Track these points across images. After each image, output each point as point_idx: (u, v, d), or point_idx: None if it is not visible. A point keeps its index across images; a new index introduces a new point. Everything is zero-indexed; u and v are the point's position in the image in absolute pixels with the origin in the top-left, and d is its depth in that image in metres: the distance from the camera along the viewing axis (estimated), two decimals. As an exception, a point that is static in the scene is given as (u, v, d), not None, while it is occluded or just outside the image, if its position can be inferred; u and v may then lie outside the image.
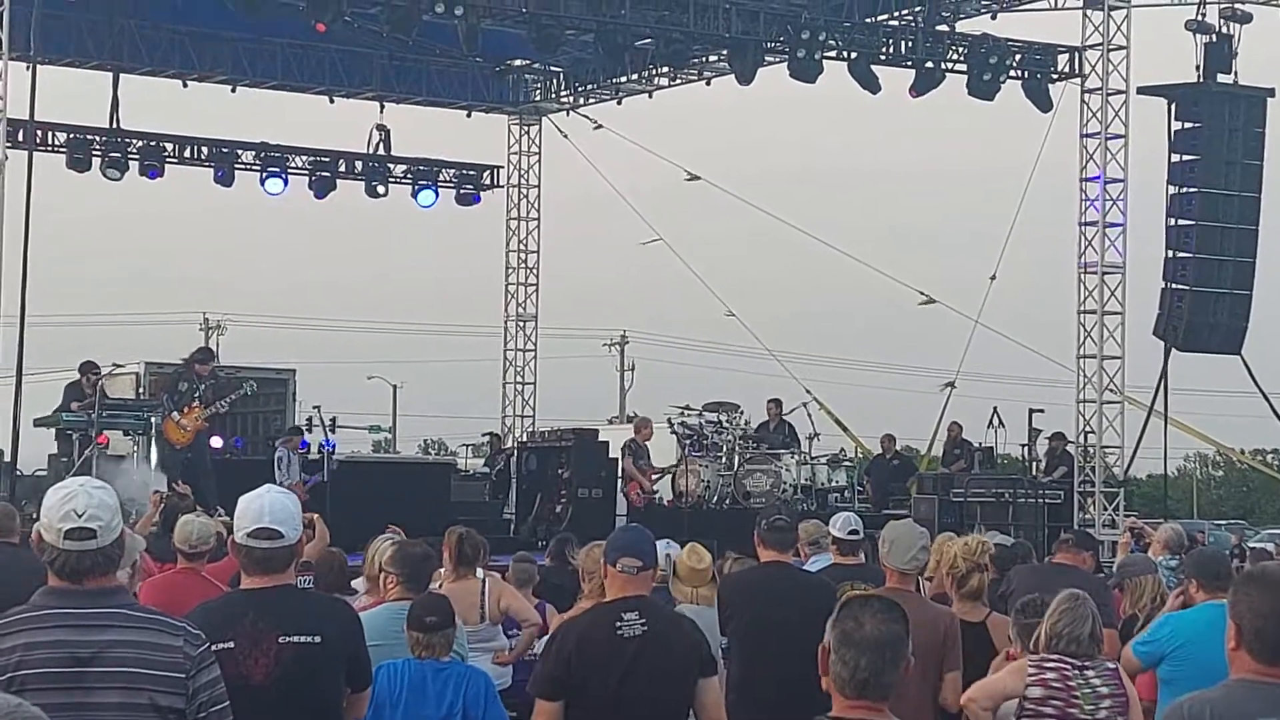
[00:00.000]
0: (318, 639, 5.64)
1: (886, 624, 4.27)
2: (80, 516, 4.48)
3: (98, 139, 26.49)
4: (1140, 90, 24.14)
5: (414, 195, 28.79)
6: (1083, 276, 24.11)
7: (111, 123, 26.35)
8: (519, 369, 30.16)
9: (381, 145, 28.15)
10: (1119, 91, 23.97)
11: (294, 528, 5.70)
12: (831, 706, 4.29)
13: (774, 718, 8.55)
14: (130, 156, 26.73)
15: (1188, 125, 23.86)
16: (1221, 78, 23.89)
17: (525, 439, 27.04)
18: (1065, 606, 7.08)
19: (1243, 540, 34.43)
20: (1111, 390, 23.87)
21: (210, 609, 5.69)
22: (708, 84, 26.95)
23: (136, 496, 15.88)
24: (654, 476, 22.95)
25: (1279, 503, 74.27)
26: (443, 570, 9.40)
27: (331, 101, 27.55)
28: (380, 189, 28.44)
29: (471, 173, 29.28)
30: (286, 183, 27.90)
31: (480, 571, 9.81)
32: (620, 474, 22.30)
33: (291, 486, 21.68)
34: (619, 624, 6.43)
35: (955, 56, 24.03)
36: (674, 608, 8.42)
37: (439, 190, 28.90)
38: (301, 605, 5.82)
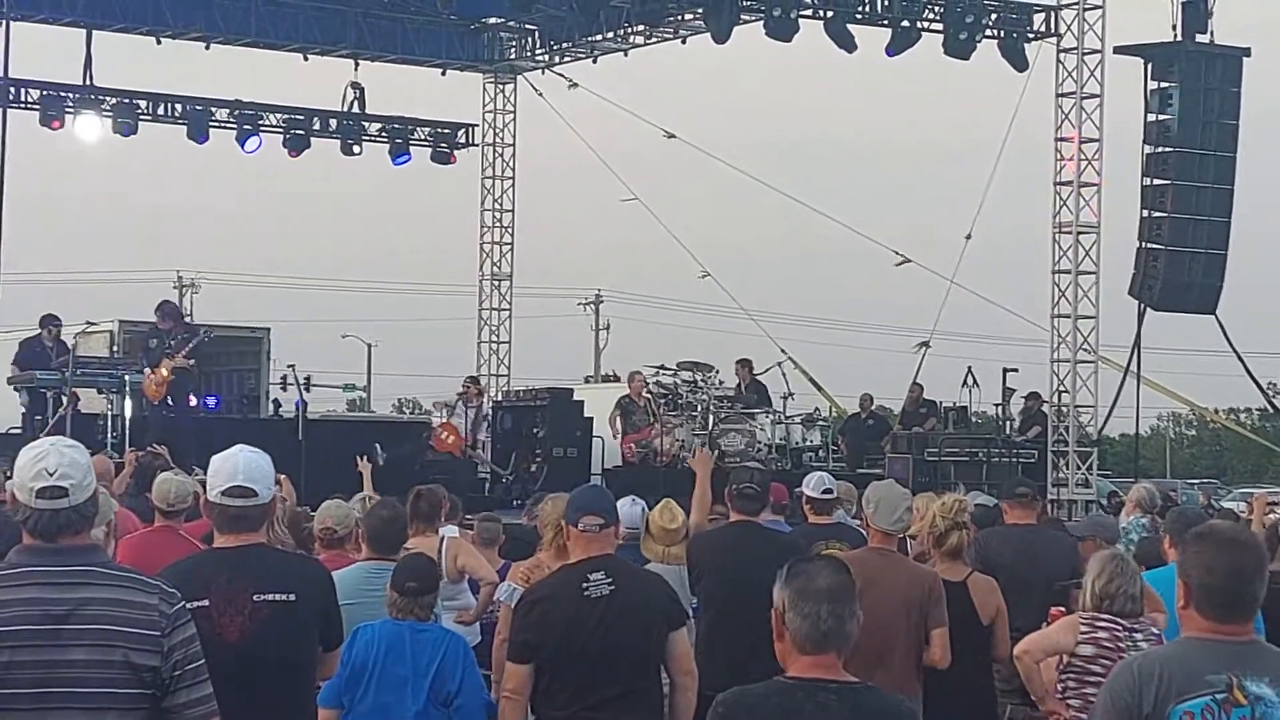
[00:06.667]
0: (292, 597, 5.68)
1: (838, 574, 4.32)
2: (52, 475, 4.44)
3: (71, 96, 26.33)
4: (1116, 50, 24.11)
5: (390, 155, 28.71)
6: (1058, 236, 24.13)
7: (85, 80, 26.19)
8: (494, 328, 30.13)
9: (356, 103, 28.06)
10: (1095, 51, 23.96)
11: (267, 486, 5.72)
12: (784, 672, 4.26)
13: (742, 676, 8.57)
14: (104, 113, 26.61)
15: (1164, 85, 23.85)
16: (1198, 37, 23.87)
17: (500, 398, 27.05)
18: (1112, 567, 7.14)
19: (1211, 499, 34.62)
20: (1086, 350, 23.93)
21: (183, 567, 5.69)
22: (684, 42, 26.83)
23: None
24: (647, 437, 22.71)
25: (1251, 462, 74.68)
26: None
27: (306, 59, 27.37)
28: (355, 147, 28.37)
29: (446, 131, 29.18)
30: (261, 142, 27.81)
31: (450, 528, 9.80)
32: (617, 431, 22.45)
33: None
34: (585, 585, 6.46)
35: (931, 15, 23.99)
36: (644, 566, 8.44)
37: (413, 149, 28.82)
38: (275, 563, 5.85)
